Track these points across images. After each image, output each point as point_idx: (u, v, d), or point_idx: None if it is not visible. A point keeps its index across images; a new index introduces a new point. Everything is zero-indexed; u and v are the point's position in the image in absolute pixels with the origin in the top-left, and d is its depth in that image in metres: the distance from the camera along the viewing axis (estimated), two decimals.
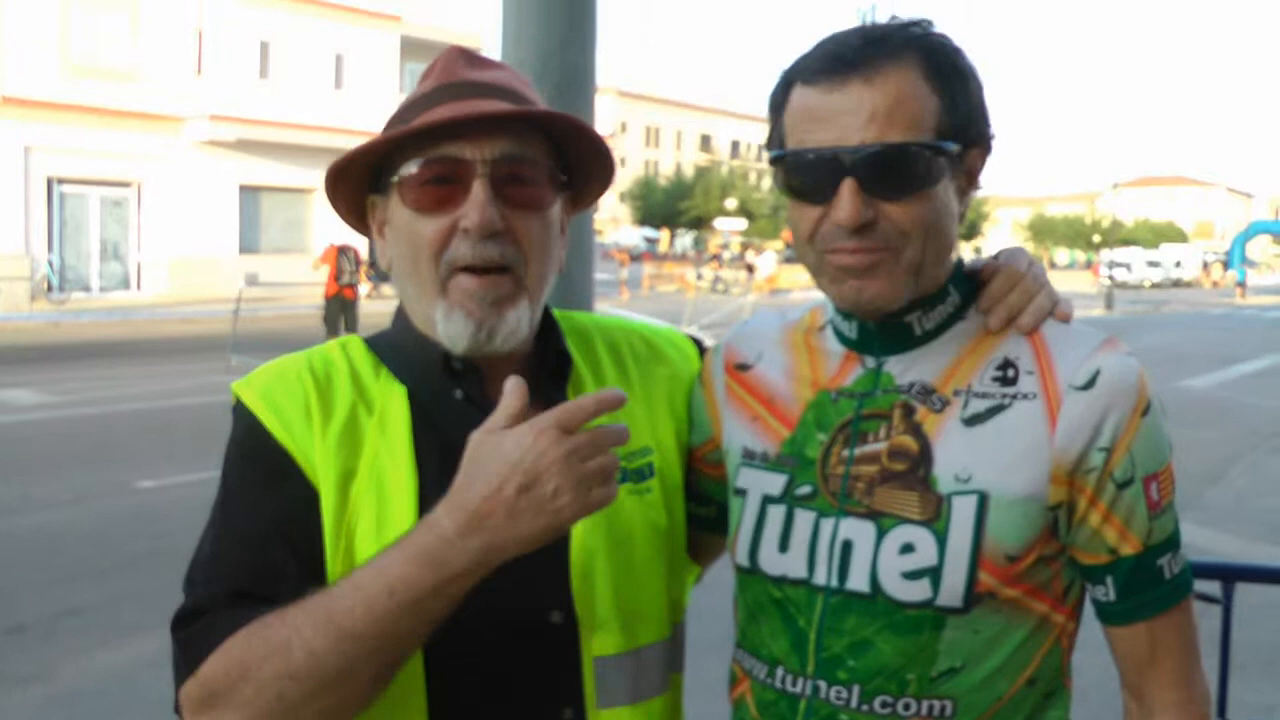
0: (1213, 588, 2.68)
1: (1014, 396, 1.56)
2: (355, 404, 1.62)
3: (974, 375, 1.60)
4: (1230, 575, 2.71)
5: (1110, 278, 56.38)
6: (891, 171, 1.50)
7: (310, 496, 1.56)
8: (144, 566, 7.92)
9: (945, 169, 1.54)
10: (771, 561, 1.65)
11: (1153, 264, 78.28)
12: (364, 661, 1.40)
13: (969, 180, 1.62)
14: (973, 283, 1.68)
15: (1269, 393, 19.60)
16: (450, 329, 1.61)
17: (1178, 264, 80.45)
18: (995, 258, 1.73)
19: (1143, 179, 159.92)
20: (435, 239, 1.60)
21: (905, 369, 1.63)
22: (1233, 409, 17.49)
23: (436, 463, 1.58)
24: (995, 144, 1.63)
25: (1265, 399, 18.76)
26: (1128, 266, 76.28)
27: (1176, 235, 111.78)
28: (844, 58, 1.52)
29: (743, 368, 1.81)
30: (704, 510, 1.84)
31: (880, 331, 1.64)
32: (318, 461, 1.56)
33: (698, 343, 1.97)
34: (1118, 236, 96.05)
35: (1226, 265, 77.31)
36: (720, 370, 1.84)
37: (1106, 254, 72.35)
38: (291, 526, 1.54)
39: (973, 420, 1.57)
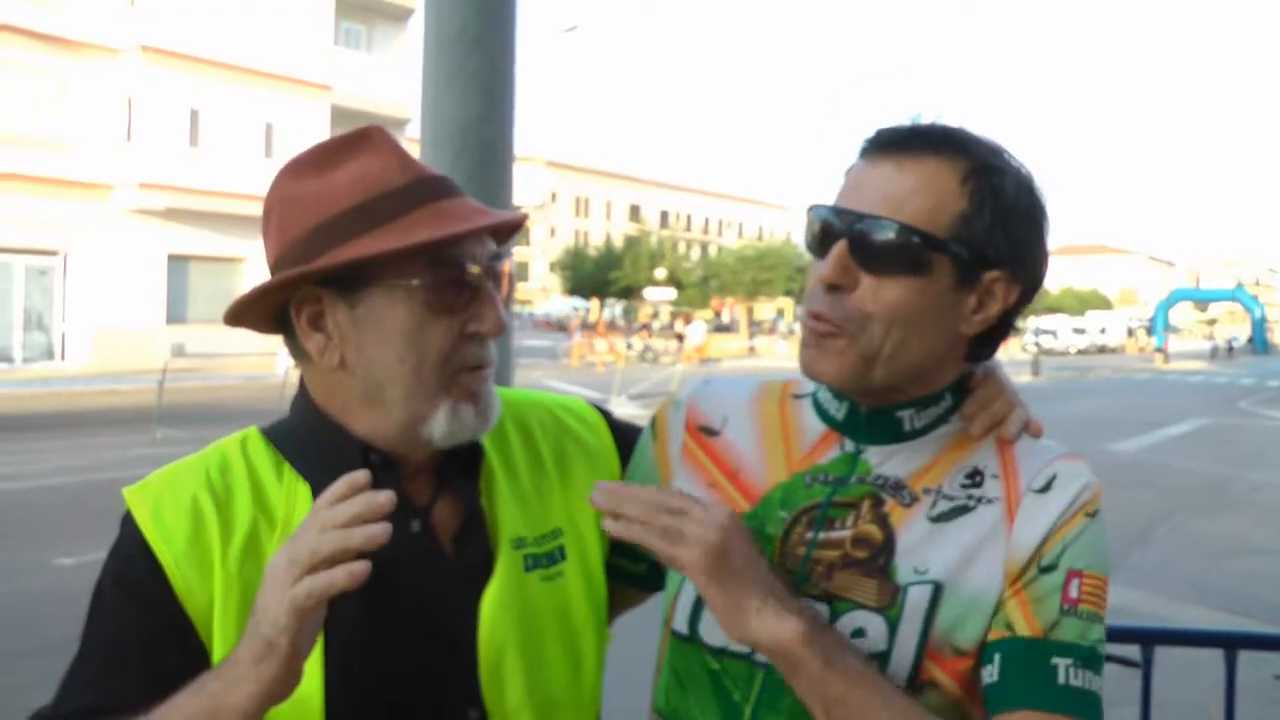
0: (1132, 651, 2.70)
1: (978, 500, 1.57)
2: (256, 519, 1.56)
3: (945, 478, 1.61)
4: (1149, 639, 2.73)
5: (1037, 344, 57.28)
6: (879, 246, 1.51)
7: (183, 628, 1.51)
8: (60, 651, 7.44)
9: (946, 270, 1.52)
10: (713, 633, 1.62)
11: (1079, 331, 79.87)
12: None
13: (981, 302, 1.58)
14: (962, 389, 1.68)
15: (1193, 455, 19.95)
16: (456, 424, 1.57)
17: (1103, 331, 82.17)
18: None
19: (1065, 248, 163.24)
20: (448, 342, 1.56)
21: (883, 460, 1.63)
22: (1158, 471, 17.76)
23: None
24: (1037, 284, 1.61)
25: (1190, 461, 19.09)
26: (1054, 333, 77.66)
27: (1101, 303, 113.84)
28: (886, 140, 1.56)
29: (708, 432, 1.79)
30: (634, 567, 1.81)
31: (870, 421, 1.64)
32: (216, 587, 1.51)
33: (604, 412, 1.95)
34: (1044, 304, 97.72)
35: (1151, 331, 78.85)
36: (680, 428, 1.81)
37: (1033, 321, 73.48)
38: (155, 648, 1.50)
39: (938, 518, 1.57)
